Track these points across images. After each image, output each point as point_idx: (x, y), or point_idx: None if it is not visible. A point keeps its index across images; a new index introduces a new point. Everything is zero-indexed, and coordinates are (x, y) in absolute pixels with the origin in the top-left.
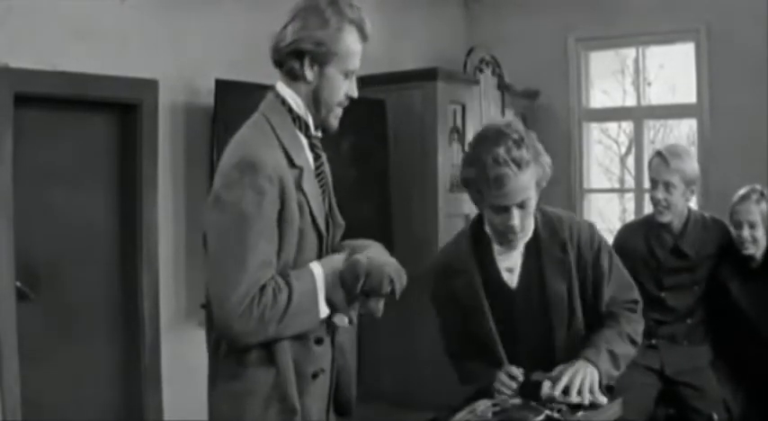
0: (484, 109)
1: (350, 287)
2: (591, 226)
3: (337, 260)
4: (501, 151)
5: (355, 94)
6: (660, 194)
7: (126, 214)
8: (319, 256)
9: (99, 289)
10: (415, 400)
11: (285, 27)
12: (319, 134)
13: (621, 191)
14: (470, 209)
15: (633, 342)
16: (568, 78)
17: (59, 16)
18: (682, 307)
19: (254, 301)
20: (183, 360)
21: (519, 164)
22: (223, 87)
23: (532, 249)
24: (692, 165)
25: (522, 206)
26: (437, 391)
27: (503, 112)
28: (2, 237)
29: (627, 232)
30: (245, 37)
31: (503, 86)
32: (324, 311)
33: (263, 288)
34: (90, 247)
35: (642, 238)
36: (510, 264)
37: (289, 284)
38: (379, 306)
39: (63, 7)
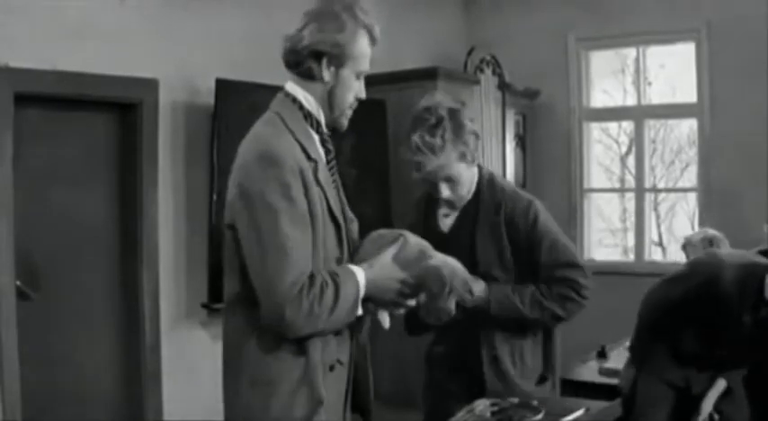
0: (484, 109)
1: (435, 292)
2: (531, 202)
3: (386, 263)
4: (415, 138)
5: (363, 95)
6: None
7: (126, 213)
8: (340, 248)
9: (99, 288)
10: (413, 400)
11: (300, 30)
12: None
13: (622, 190)
14: None
15: (552, 316)
16: (569, 78)
17: (60, 16)
18: None
19: (303, 291)
20: (184, 359)
21: (432, 149)
22: (223, 87)
23: (471, 206)
24: None
25: (448, 180)
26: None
27: (503, 112)
28: (2, 236)
29: None
30: (245, 36)
31: (503, 86)
32: (360, 311)
33: (311, 278)
34: (90, 247)
35: None
36: (447, 212)
37: (336, 282)
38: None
39: (63, 7)
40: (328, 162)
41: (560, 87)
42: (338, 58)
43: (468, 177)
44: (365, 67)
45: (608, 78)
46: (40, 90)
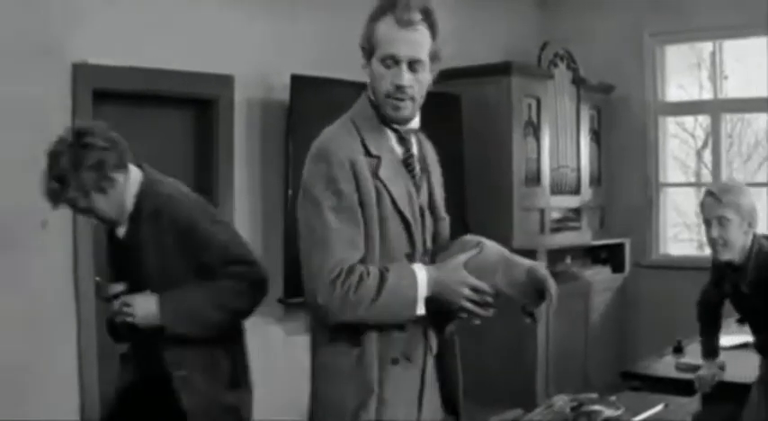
0: (559, 103)
1: (532, 298)
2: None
3: (456, 266)
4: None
5: (400, 81)
6: (715, 232)
7: None
8: (410, 244)
9: None
10: (487, 396)
11: None
12: (409, 126)
13: (698, 185)
14: (546, 203)
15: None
16: (644, 72)
17: (137, 13)
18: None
19: (338, 279)
20: (260, 355)
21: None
22: (298, 83)
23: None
24: (747, 199)
25: None
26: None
27: (578, 107)
28: (81, 233)
29: (708, 287)
30: (320, 33)
31: (578, 80)
32: (421, 310)
33: (351, 269)
34: None
35: (717, 286)
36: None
37: (382, 275)
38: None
39: (141, 4)
40: (405, 158)
41: (635, 81)
42: (367, 51)
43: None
44: (390, 50)
45: (683, 72)
46: (118, 87)
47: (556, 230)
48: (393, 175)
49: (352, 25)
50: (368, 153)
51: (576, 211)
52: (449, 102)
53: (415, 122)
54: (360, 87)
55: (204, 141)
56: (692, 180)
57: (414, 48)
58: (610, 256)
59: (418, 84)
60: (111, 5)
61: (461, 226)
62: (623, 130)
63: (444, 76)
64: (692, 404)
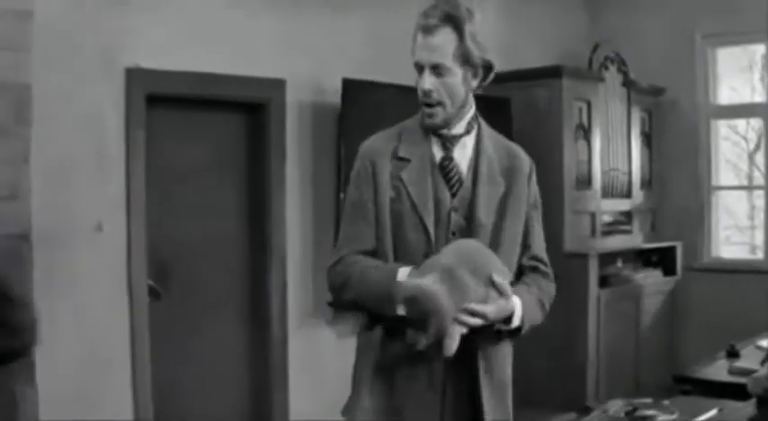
0: (609, 106)
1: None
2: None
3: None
4: None
5: (422, 86)
6: None
7: (255, 212)
8: (428, 245)
9: (228, 287)
10: (537, 398)
11: None
12: (454, 131)
13: (750, 188)
14: (597, 206)
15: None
16: (695, 75)
17: (190, 18)
18: None
19: (334, 267)
20: (310, 357)
21: None
22: (350, 86)
23: None
24: None
25: None
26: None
27: (629, 109)
28: (136, 236)
29: None
30: (371, 36)
31: (628, 83)
32: (401, 310)
33: (346, 259)
34: (219, 246)
35: None
36: None
37: (363, 268)
38: (430, 332)
39: (193, 9)
40: (441, 162)
41: (686, 84)
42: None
43: None
44: (415, 58)
45: (735, 75)
46: (171, 91)
47: (607, 233)
48: (418, 178)
49: (403, 29)
50: (396, 156)
51: (628, 214)
52: (499, 105)
53: (460, 127)
54: (408, 91)
55: (257, 144)
56: (744, 183)
57: (433, 53)
58: (661, 259)
59: (445, 87)
60: (164, 11)
61: None
62: (674, 133)
63: (494, 80)
64: (747, 408)
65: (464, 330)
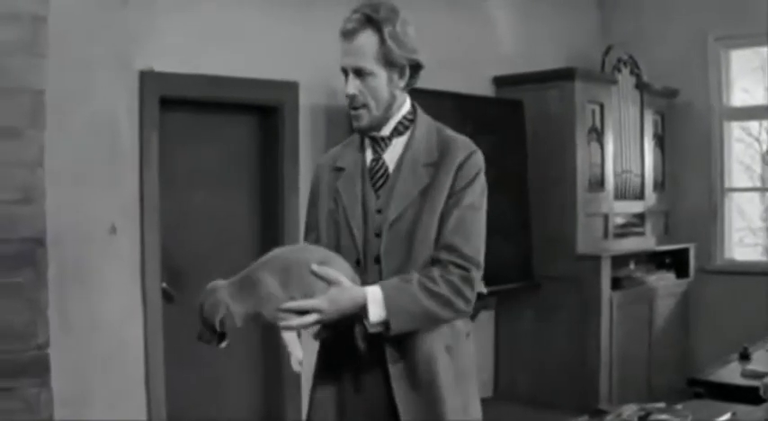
0: (622, 108)
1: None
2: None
3: None
4: None
5: (346, 90)
6: None
7: (268, 215)
8: (356, 251)
9: None
10: (550, 400)
11: None
12: (382, 132)
13: (763, 189)
14: (609, 208)
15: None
16: (708, 77)
17: (203, 20)
18: None
19: None
20: None
21: None
22: None
23: None
24: None
25: None
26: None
27: (642, 112)
28: (149, 239)
29: None
30: None
31: (641, 85)
32: None
33: None
34: (232, 249)
35: None
36: None
37: None
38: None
39: (205, 11)
40: (371, 166)
41: (700, 86)
42: None
43: None
44: (340, 62)
45: (748, 77)
46: (185, 94)
47: (620, 236)
48: (349, 185)
49: (417, 31)
50: (334, 167)
51: (640, 217)
52: (511, 108)
53: (387, 129)
54: (420, 93)
55: (269, 147)
56: (757, 184)
57: (354, 57)
58: (674, 262)
59: (369, 90)
60: (178, 14)
61: (525, 232)
62: (687, 135)
63: (506, 82)
64: (760, 412)
65: (308, 331)
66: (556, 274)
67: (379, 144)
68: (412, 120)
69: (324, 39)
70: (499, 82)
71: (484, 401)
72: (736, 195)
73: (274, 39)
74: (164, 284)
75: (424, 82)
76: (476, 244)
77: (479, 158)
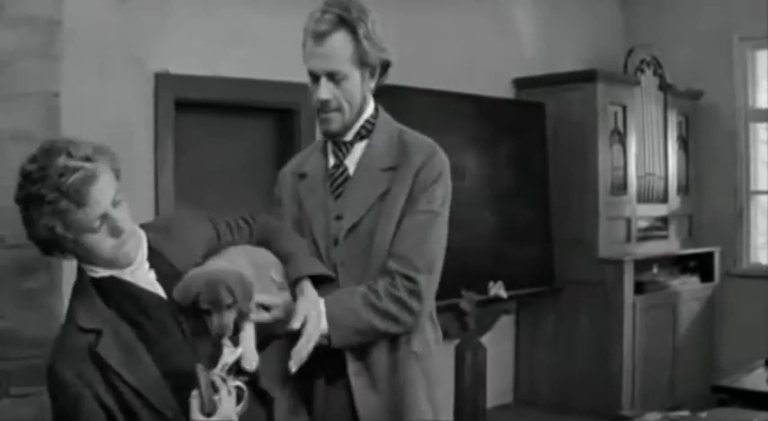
0: (645, 110)
1: (186, 308)
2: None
3: None
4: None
5: (318, 96)
6: None
7: None
8: (319, 258)
9: None
10: (571, 406)
11: None
12: (345, 138)
13: None
14: (631, 211)
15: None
16: (733, 78)
17: (218, 22)
18: None
19: None
20: None
21: None
22: (379, 90)
23: None
24: None
25: None
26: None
27: (665, 113)
28: None
29: None
30: (398, 40)
31: (665, 87)
32: None
33: None
34: None
35: None
36: None
37: None
38: (223, 321)
39: (221, 13)
40: (331, 171)
41: (724, 88)
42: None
43: None
44: (308, 65)
45: None
46: (200, 96)
47: (643, 239)
48: (311, 191)
49: (436, 31)
50: (297, 174)
51: (664, 220)
52: (533, 110)
53: (350, 134)
54: (436, 95)
55: (286, 149)
56: None
57: (327, 60)
58: (698, 265)
59: (344, 93)
60: (193, 16)
61: (546, 234)
62: (712, 137)
63: (527, 84)
64: None
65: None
66: (577, 279)
67: (341, 149)
68: (374, 124)
69: None
70: (520, 84)
71: (504, 407)
72: (761, 198)
73: (290, 40)
74: None
75: (445, 84)
76: (430, 250)
77: (440, 160)
